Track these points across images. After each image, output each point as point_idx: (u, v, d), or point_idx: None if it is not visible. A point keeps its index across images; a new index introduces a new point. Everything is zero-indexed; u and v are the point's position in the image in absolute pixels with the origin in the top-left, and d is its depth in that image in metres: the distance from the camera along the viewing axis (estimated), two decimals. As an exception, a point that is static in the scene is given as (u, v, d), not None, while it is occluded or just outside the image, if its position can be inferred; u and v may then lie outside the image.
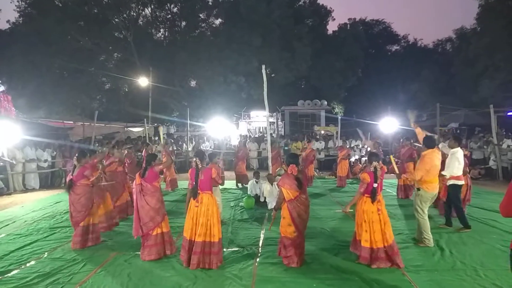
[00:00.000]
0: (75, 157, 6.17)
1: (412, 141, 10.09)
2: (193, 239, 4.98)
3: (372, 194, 5.00)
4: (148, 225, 5.28)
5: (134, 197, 5.44)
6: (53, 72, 26.27)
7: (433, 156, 5.73)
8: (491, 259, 5.20)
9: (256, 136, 22.39)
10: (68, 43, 26.78)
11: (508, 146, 13.34)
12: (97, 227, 6.17)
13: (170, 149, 13.98)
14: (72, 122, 19.32)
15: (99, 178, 6.48)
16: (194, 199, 5.03)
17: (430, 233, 5.78)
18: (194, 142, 18.55)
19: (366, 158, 5.48)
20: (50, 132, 15.67)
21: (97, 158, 6.75)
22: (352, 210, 5.72)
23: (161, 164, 5.58)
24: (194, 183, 5.03)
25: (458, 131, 20.74)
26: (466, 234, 6.38)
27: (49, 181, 13.09)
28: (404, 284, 4.45)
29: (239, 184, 12.26)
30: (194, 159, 5.15)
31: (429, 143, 5.89)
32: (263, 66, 9.68)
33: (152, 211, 5.28)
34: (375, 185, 4.99)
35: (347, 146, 14.13)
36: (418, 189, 5.83)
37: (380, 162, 5.17)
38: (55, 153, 13.43)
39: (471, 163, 13.98)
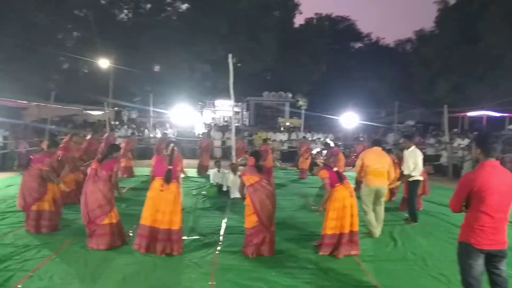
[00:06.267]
0: (47, 142, 6.05)
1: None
2: (155, 226, 4.93)
3: (338, 176, 5.25)
4: (95, 212, 5.04)
5: (85, 182, 5.24)
6: (4, 49, 24.60)
7: (369, 152, 6.32)
8: (439, 250, 5.53)
9: (221, 125, 22.29)
10: (21, 18, 25.14)
11: (459, 144, 14.12)
12: (53, 214, 5.90)
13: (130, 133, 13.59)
14: (26, 102, 18.28)
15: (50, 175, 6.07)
16: (167, 184, 4.96)
17: (373, 223, 6.06)
18: (159, 129, 18.11)
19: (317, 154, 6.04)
20: (1, 111, 14.77)
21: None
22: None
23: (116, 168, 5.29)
24: (168, 168, 4.98)
25: (414, 128, 21.73)
26: (417, 227, 6.73)
27: (0, 163, 12.39)
28: (358, 272, 4.66)
29: (199, 173, 12.28)
30: (172, 145, 5.18)
31: (373, 142, 6.78)
32: (230, 56, 9.65)
33: (102, 199, 5.06)
34: (335, 168, 5.39)
35: (308, 140, 14.34)
36: (361, 182, 6.39)
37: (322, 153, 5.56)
38: (7, 133, 12.69)
39: (425, 159, 14.72)
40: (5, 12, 23.13)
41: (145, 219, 4.97)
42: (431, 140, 15.47)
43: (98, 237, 5.09)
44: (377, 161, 6.08)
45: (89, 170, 5.28)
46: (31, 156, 5.95)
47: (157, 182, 5.03)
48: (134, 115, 25.06)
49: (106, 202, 5.10)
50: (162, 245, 4.92)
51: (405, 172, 6.83)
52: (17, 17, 24.34)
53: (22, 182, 5.88)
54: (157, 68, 31.91)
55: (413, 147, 6.86)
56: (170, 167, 5.02)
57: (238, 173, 8.74)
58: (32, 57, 25.49)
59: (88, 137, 9.43)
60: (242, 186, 5.16)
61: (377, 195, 6.09)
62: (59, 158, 7.11)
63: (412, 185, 6.95)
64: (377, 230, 6.06)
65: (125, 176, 11.10)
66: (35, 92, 24.41)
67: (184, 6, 31.84)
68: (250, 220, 4.97)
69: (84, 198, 5.09)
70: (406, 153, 6.86)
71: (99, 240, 5.08)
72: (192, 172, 12.15)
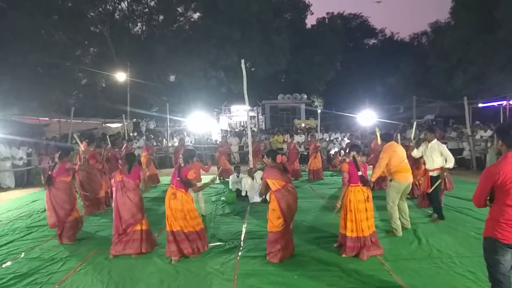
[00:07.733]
0: (58, 155, 6.18)
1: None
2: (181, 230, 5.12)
3: (363, 181, 5.06)
4: (129, 221, 5.24)
5: (114, 195, 5.38)
6: (27, 68, 25.44)
7: (392, 147, 6.00)
8: (465, 247, 5.36)
9: (237, 130, 22.37)
10: (42, 38, 25.96)
11: (482, 136, 13.74)
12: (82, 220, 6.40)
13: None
14: (47, 118, 18.80)
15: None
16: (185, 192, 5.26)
17: (398, 222, 5.92)
18: (176, 138, 18.23)
19: (347, 150, 5.68)
20: (25, 129, 15.22)
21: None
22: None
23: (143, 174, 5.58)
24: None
25: (433, 123, 21.26)
26: (442, 223, 6.56)
27: (25, 179, 12.74)
28: (382, 273, 4.56)
29: (222, 178, 12.28)
30: (195, 158, 5.42)
31: (386, 137, 6.31)
32: (242, 61, 9.69)
33: (134, 208, 5.25)
34: (360, 173, 5.06)
35: (316, 139, 14.06)
36: (391, 180, 6.03)
37: (360, 153, 5.27)
38: (30, 150, 13.07)
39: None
40: (25, 32, 23.87)
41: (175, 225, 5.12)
42: (452, 134, 15.10)
43: (126, 243, 5.23)
44: (403, 155, 5.94)
45: (115, 183, 5.39)
46: (50, 172, 6.05)
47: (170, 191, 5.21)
48: (152, 125, 25.42)
49: (138, 210, 5.30)
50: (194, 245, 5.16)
51: (428, 167, 6.66)
52: (36, 36, 25.09)
53: (50, 200, 5.97)
54: (172, 77, 32.36)
55: (435, 140, 6.68)
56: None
57: (256, 177, 8.76)
58: (53, 75, 26.25)
59: (108, 148, 9.65)
60: (266, 188, 5.05)
61: (404, 191, 5.99)
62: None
63: (435, 181, 6.76)
64: (400, 230, 5.93)
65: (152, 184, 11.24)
66: (56, 108, 25.12)
67: (196, 15, 32.32)
68: (276, 224, 4.92)
69: (117, 211, 5.25)
70: (429, 145, 6.65)
71: (128, 245, 5.22)
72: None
